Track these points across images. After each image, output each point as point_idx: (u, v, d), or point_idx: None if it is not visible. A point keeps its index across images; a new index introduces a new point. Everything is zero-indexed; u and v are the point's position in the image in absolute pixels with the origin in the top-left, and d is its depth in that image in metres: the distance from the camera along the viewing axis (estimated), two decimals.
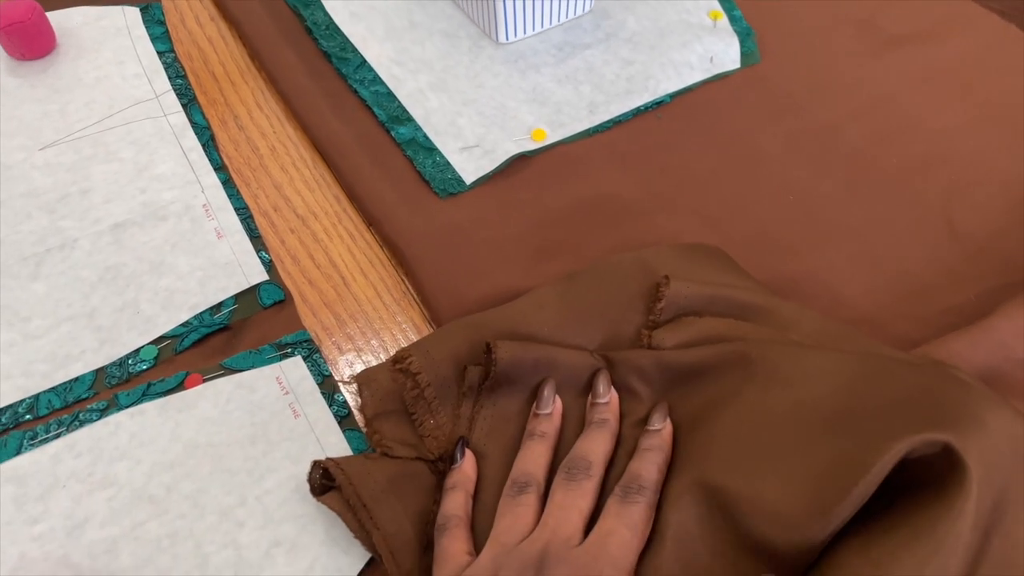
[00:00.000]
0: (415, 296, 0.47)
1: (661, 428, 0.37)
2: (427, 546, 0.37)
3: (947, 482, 0.31)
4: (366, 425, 0.41)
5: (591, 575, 0.31)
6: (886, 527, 0.31)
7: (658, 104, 0.56)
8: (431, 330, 0.45)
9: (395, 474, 0.38)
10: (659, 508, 0.35)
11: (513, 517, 0.34)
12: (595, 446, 0.36)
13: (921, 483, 0.31)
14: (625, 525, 0.33)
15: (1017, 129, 0.54)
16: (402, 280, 0.48)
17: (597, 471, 0.35)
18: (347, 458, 0.39)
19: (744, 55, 0.58)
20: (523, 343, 0.41)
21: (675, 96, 0.56)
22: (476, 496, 0.38)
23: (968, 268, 0.47)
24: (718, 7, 0.61)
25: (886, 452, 0.30)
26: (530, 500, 0.35)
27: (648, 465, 0.35)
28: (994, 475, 0.31)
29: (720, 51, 0.58)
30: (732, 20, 0.60)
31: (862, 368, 0.35)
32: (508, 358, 0.39)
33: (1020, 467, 0.32)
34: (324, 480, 0.38)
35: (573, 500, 0.34)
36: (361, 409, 0.41)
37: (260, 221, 0.50)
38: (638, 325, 0.42)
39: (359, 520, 0.37)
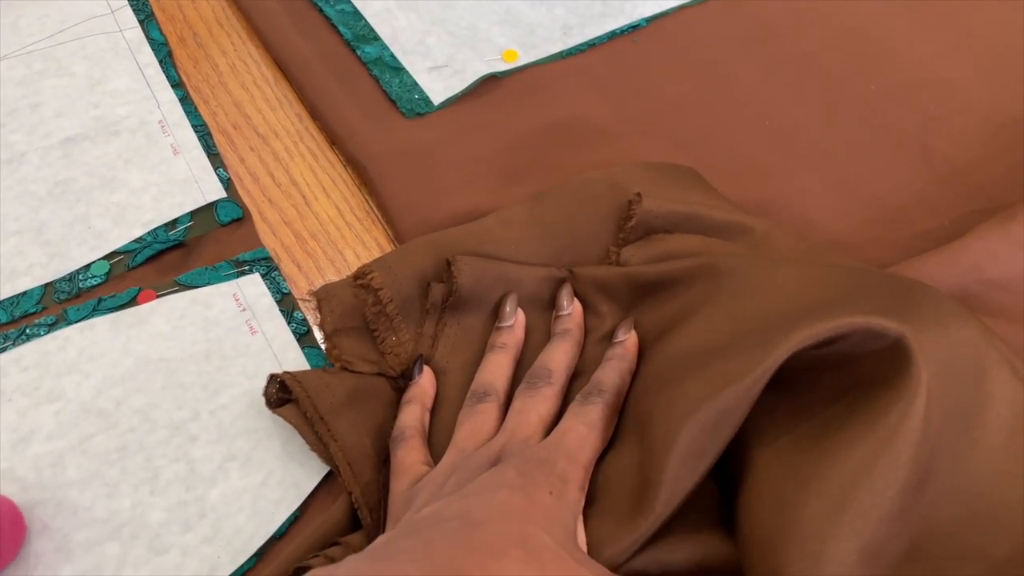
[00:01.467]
0: (379, 215, 0.45)
1: (625, 339, 0.36)
2: (386, 459, 0.36)
3: (898, 376, 0.30)
4: (325, 340, 0.39)
5: (545, 463, 0.30)
6: (838, 422, 0.30)
7: (634, 28, 0.54)
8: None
9: (354, 388, 0.37)
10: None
11: (472, 424, 0.33)
12: (557, 355, 0.35)
13: (873, 381, 0.30)
14: (582, 423, 0.32)
15: (996, 58, 0.53)
16: (366, 200, 0.46)
17: (558, 378, 0.34)
18: (305, 372, 0.37)
19: None
20: (485, 260, 0.39)
21: (651, 20, 0.55)
22: (436, 413, 0.37)
23: (943, 194, 0.46)
24: None
25: (827, 320, 0.30)
26: (490, 408, 0.34)
27: (610, 372, 0.34)
28: (950, 382, 0.30)
29: None
30: None
31: (828, 275, 0.34)
32: (470, 275, 0.38)
33: (980, 378, 0.31)
34: (281, 394, 0.37)
35: (532, 405, 0.33)
36: (320, 325, 0.40)
37: (219, 139, 0.48)
38: (607, 243, 0.41)
39: (316, 433, 0.36)
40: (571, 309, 0.38)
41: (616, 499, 0.32)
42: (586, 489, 0.31)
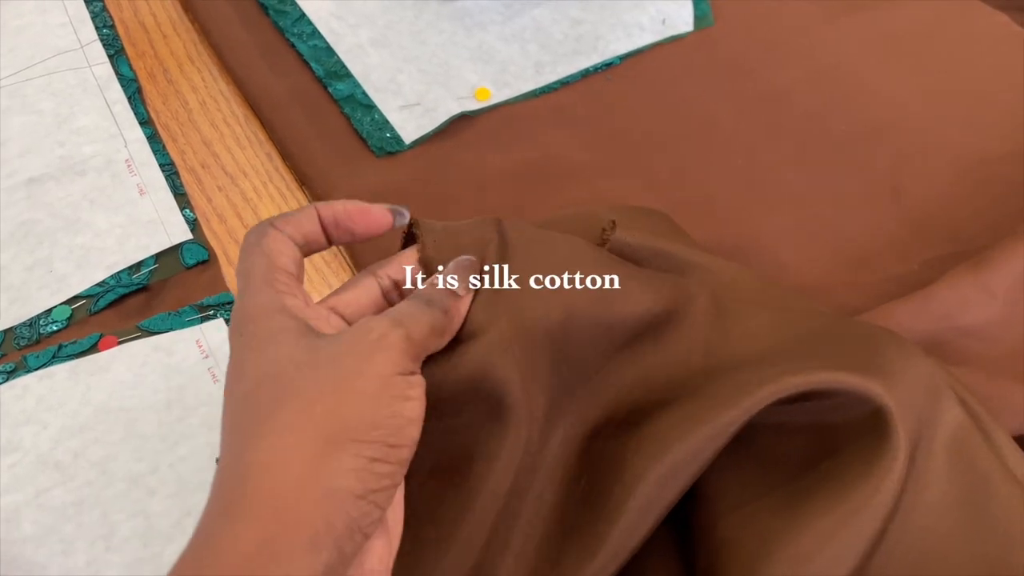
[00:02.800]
0: (347, 258, 0.45)
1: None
2: None
3: (877, 447, 0.30)
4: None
5: None
6: (810, 490, 0.30)
7: (607, 65, 0.54)
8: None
9: None
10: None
11: None
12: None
13: (849, 447, 0.30)
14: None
15: (967, 99, 0.53)
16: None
17: None
18: None
19: (697, 17, 0.57)
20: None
21: (625, 58, 0.54)
22: None
23: (913, 237, 0.46)
24: None
25: (803, 374, 0.30)
26: None
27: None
28: (911, 424, 0.31)
29: (673, 12, 0.57)
30: None
31: (801, 323, 0.34)
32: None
33: (933, 407, 0.32)
34: None
35: None
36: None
37: (186, 178, 0.47)
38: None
39: None
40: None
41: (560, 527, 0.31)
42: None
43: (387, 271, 0.31)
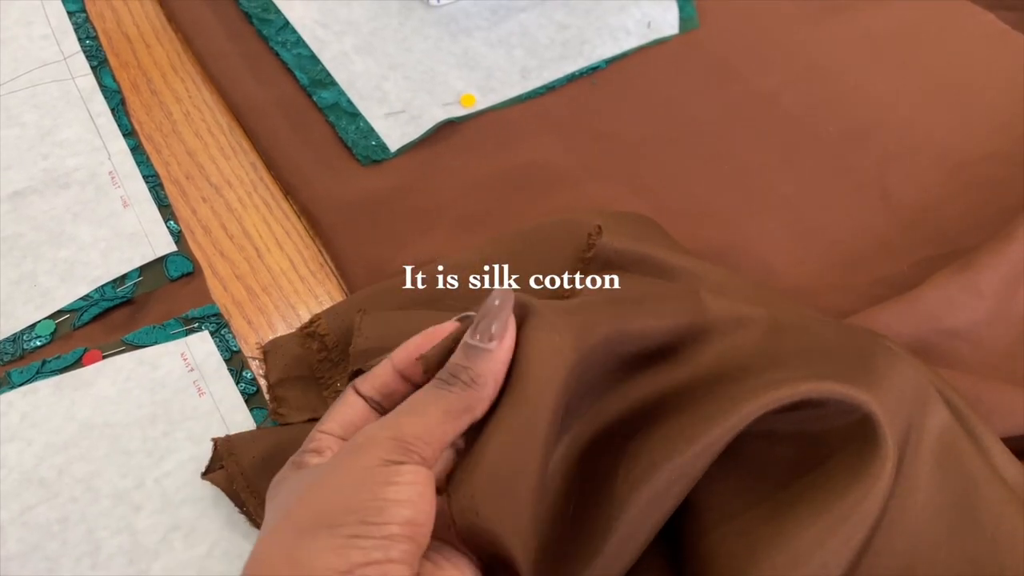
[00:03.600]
0: (333, 268, 0.45)
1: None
2: None
3: (865, 455, 0.30)
4: (268, 392, 0.39)
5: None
6: (797, 498, 0.30)
7: (593, 70, 0.54)
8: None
9: (282, 439, 0.36)
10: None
11: None
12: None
13: (837, 456, 0.30)
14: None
15: (955, 98, 0.53)
16: (320, 251, 0.45)
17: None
18: (237, 433, 0.37)
19: (683, 20, 0.57)
20: (392, 314, 0.38)
21: (611, 62, 0.54)
22: None
23: (901, 238, 0.46)
24: None
25: (793, 385, 0.30)
26: None
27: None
28: (898, 430, 0.31)
29: (658, 16, 0.56)
30: None
31: (788, 330, 0.34)
32: (369, 335, 0.37)
33: (920, 411, 0.32)
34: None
35: None
36: (265, 376, 0.39)
37: (171, 189, 0.47)
38: (563, 281, 0.41)
39: (236, 489, 0.35)
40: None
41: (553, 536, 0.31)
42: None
43: (370, 384, 0.30)
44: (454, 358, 0.28)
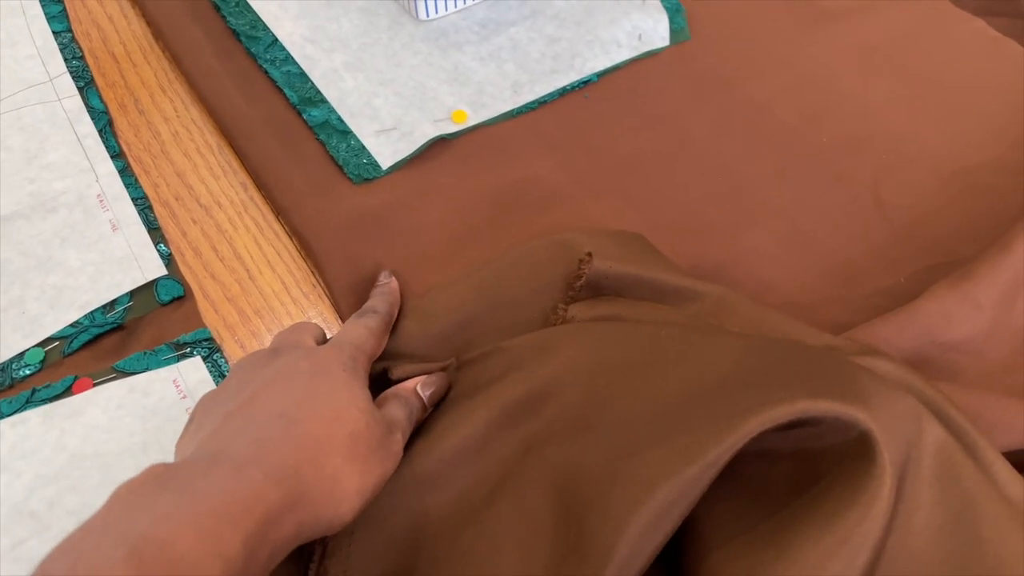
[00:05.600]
0: (325, 289, 0.44)
1: (388, 281, 0.42)
2: None
3: (862, 475, 0.30)
4: None
5: (336, 347, 0.35)
6: (796, 519, 0.29)
7: (585, 83, 0.53)
8: (341, 326, 0.43)
9: None
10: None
11: None
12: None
13: (834, 476, 0.30)
14: (363, 326, 0.37)
15: (947, 107, 0.53)
16: (312, 272, 0.45)
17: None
18: None
19: (674, 32, 0.56)
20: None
21: (602, 75, 0.54)
22: None
23: (898, 250, 0.46)
24: None
25: (789, 404, 0.29)
26: None
27: (379, 300, 0.40)
28: (896, 448, 0.30)
29: (649, 28, 0.56)
30: None
31: (780, 351, 0.34)
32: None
33: (917, 430, 0.32)
34: None
35: None
36: None
37: (160, 211, 0.47)
38: (547, 307, 0.40)
39: None
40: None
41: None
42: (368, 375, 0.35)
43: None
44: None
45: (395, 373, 0.38)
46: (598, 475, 0.31)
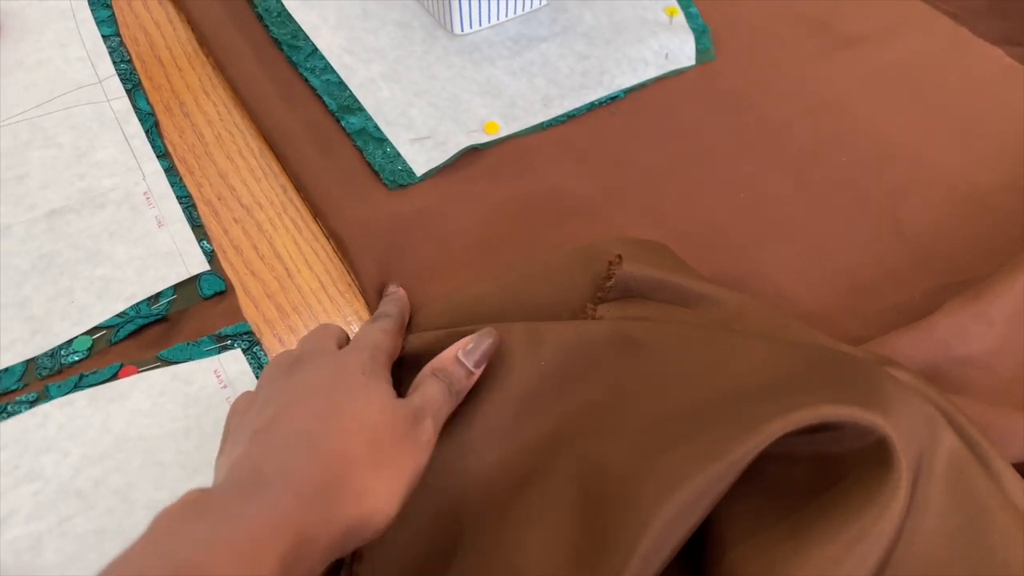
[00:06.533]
0: (360, 289, 0.46)
1: (396, 290, 0.44)
2: None
3: (879, 477, 0.31)
4: None
5: (355, 350, 0.36)
6: (814, 518, 0.31)
7: (612, 99, 0.55)
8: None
9: None
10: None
11: None
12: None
13: (852, 477, 0.31)
14: (378, 329, 0.38)
15: (964, 130, 0.54)
16: (348, 272, 0.47)
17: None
18: None
19: (699, 52, 0.58)
20: (436, 333, 0.40)
21: (629, 91, 0.56)
22: None
23: (913, 267, 0.48)
24: (675, 4, 0.61)
25: (811, 408, 0.31)
26: None
27: (390, 304, 0.41)
28: (912, 453, 0.32)
29: (675, 47, 0.58)
30: (688, 17, 0.60)
31: (802, 354, 0.35)
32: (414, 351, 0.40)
33: (931, 436, 0.33)
34: None
35: None
36: None
37: (203, 210, 0.49)
38: (575, 308, 0.42)
39: None
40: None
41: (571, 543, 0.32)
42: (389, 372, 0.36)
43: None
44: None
45: (408, 344, 0.40)
46: (625, 470, 0.33)
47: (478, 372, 0.37)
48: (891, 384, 0.33)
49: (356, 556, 0.35)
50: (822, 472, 0.33)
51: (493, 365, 0.38)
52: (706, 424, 0.33)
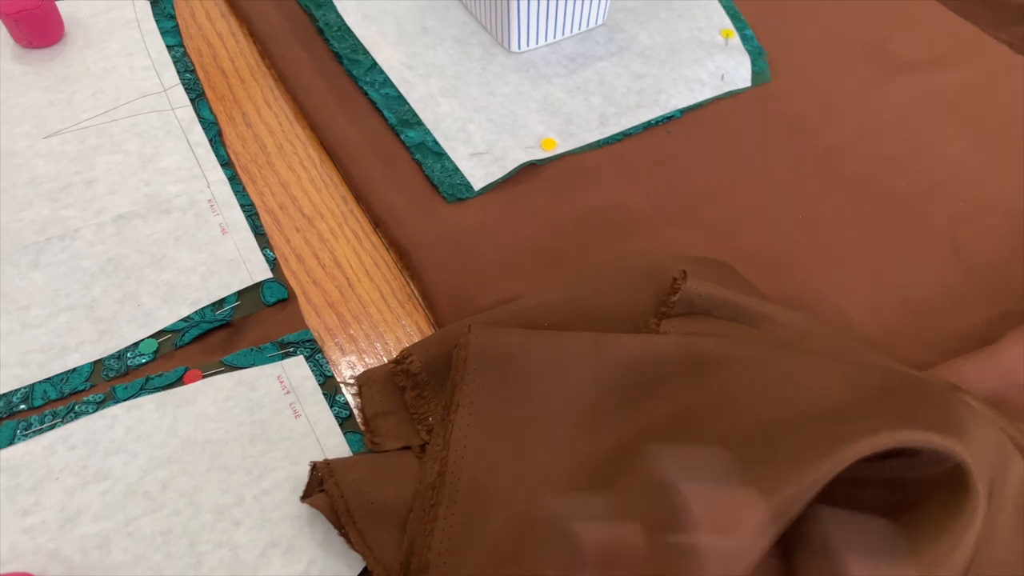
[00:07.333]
0: (420, 300, 0.46)
1: None
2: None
3: (955, 504, 0.31)
4: (363, 425, 0.40)
5: None
6: (888, 543, 0.31)
7: (669, 118, 0.56)
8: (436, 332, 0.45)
9: (380, 464, 0.38)
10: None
11: None
12: None
13: (927, 503, 0.31)
14: None
15: (1022, 157, 0.54)
16: (407, 283, 0.47)
17: None
18: (337, 459, 0.38)
19: (755, 74, 0.59)
20: (502, 328, 0.40)
21: (686, 111, 0.56)
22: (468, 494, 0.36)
23: (973, 294, 0.47)
24: (730, 26, 0.61)
25: (887, 433, 0.31)
26: None
27: None
28: (985, 480, 0.32)
29: (731, 69, 0.58)
30: (744, 39, 0.61)
31: (874, 377, 0.35)
32: (479, 344, 0.39)
33: (1002, 463, 0.33)
34: (319, 487, 0.38)
35: None
36: (360, 409, 0.41)
37: (265, 219, 0.49)
38: (637, 322, 0.42)
39: (337, 512, 0.36)
40: None
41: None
42: None
43: None
44: None
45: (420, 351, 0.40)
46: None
47: None
48: (966, 410, 0.33)
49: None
50: (895, 497, 0.32)
51: (558, 374, 0.38)
52: (778, 447, 0.33)
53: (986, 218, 0.51)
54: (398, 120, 0.54)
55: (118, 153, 0.52)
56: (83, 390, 0.42)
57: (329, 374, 0.43)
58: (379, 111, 0.55)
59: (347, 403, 0.42)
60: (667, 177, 0.53)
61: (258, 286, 0.46)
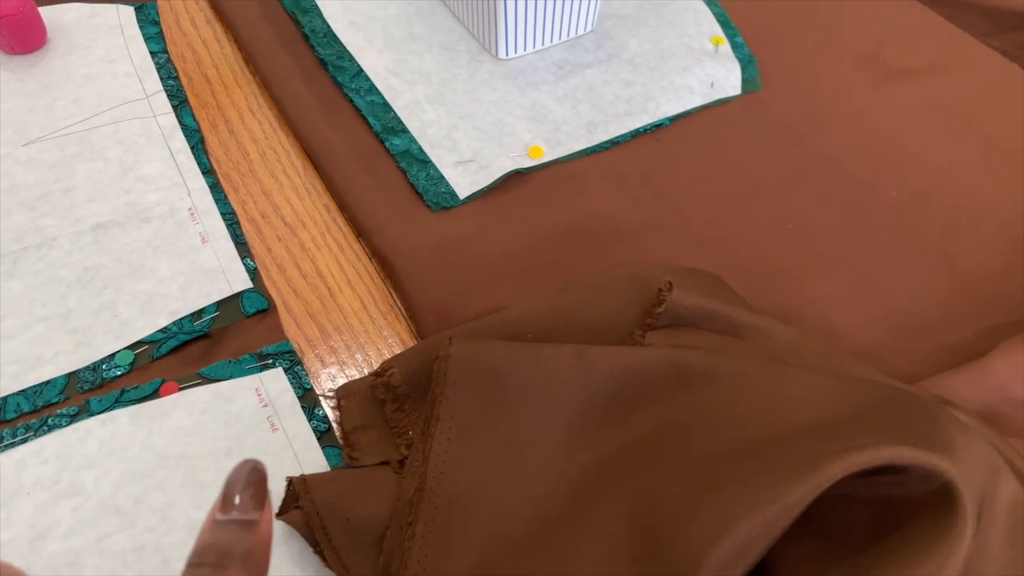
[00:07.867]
0: (402, 310, 0.46)
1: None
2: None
3: (943, 523, 0.30)
4: (342, 439, 0.39)
5: None
6: (872, 564, 0.30)
7: (657, 126, 0.55)
8: (417, 343, 0.44)
9: (357, 481, 0.37)
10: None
11: None
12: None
13: (914, 523, 0.30)
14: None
15: (1017, 167, 0.54)
16: (390, 293, 0.46)
17: None
18: (314, 474, 0.37)
19: (745, 82, 0.58)
20: (484, 340, 0.39)
21: (675, 119, 0.56)
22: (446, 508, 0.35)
23: (965, 306, 0.47)
24: (720, 33, 0.61)
25: (873, 449, 0.30)
26: None
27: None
28: (974, 499, 0.31)
29: (721, 76, 0.58)
30: (734, 47, 0.60)
31: (860, 391, 0.34)
32: (460, 356, 0.37)
33: (992, 482, 0.32)
34: (295, 503, 0.37)
35: None
36: (339, 422, 0.40)
37: (247, 227, 0.49)
38: (623, 334, 0.41)
39: (311, 527, 0.35)
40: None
41: None
42: None
43: None
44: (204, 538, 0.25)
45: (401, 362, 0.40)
46: (679, 507, 0.32)
47: (263, 512, 0.26)
48: (955, 426, 0.32)
49: None
50: (882, 515, 0.32)
51: (541, 387, 0.37)
52: (763, 462, 0.32)
53: (979, 228, 0.50)
54: (383, 127, 0.53)
55: (98, 161, 0.51)
56: (57, 403, 0.41)
57: (308, 387, 0.42)
58: (364, 118, 0.54)
59: (326, 416, 0.41)
60: (655, 186, 0.52)
61: (238, 296, 0.45)
